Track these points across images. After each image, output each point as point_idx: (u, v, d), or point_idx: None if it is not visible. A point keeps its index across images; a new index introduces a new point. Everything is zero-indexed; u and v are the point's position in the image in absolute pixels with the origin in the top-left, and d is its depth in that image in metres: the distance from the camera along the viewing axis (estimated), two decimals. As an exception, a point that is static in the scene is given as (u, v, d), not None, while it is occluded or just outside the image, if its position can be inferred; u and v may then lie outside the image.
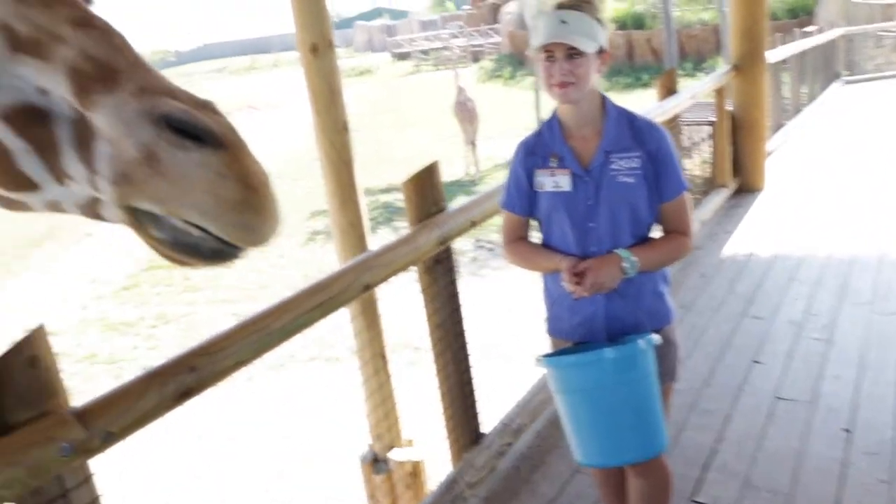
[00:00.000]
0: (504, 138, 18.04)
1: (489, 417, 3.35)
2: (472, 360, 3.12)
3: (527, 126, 18.75)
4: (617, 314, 2.13)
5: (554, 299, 2.23)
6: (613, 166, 2.06)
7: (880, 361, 3.70)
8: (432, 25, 53.81)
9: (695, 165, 6.80)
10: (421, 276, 2.93)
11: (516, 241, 2.26)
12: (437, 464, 3.33)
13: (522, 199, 2.20)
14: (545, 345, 2.32)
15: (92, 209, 0.85)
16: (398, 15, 70.90)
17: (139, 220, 0.81)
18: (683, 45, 24.91)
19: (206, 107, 0.80)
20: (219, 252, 0.81)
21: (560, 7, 2.00)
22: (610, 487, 2.47)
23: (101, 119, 0.78)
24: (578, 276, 2.00)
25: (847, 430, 3.15)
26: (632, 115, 2.14)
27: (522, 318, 4.05)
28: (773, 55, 8.27)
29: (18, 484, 1.36)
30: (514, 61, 31.01)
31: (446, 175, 13.59)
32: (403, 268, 2.65)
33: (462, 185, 13.63)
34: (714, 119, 6.58)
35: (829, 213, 6.27)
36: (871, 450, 3.01)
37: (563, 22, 1.97)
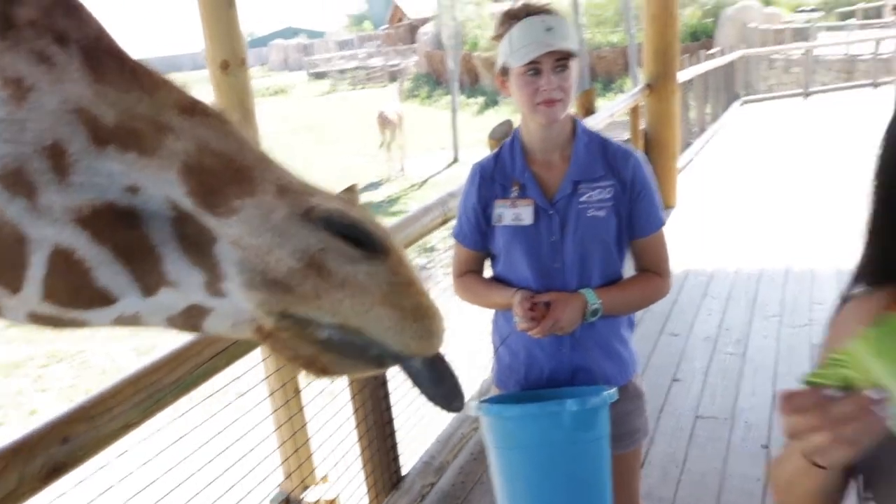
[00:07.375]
0: (422, 158, 18.03)
1: (413, 453, 3.21)
2: (394, 398, 2.97)
3: (443, 145, 18.84)
4: (585, 365, 1.86)
5: (508, 347, 1.95)
6: (582, 198, 1.81)
7: (791, 374, 3.79)
8: (349, 45, 53.74)
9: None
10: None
11: (466, 274, 2.00)
12: (355, 501, 3.16)
13: (474, 231, 1.94)
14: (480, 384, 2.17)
15: (188, 319, 0.72)
16: (315, 34, 70.38)
17: (289, 325, 0.69)
18: (594, 66, 25.74)
19: (352, 202, 0.71)
20: (380, 358, 0.71)
21: (535, 13, 1.74)
22: None
23: (241, 225, 0.66)
24: (534, 311, 1.76)
25: (766, 447, 3.19)
26: (604, 139, 1.91)
27: (461, 349, 3.93)
28: (681, 75, 8.58)
29: None
30: (431, 81, 31.26)
31: (364, 195, 13.54)
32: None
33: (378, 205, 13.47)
34: (628, 138, 6.73)
35: (736, 229, 6.50)
36: (788, 466, 3.05)
37: (549, 29, 1.71)
